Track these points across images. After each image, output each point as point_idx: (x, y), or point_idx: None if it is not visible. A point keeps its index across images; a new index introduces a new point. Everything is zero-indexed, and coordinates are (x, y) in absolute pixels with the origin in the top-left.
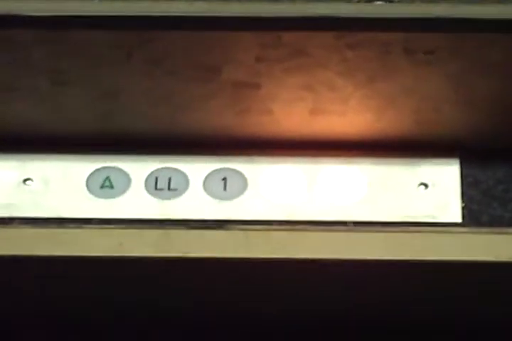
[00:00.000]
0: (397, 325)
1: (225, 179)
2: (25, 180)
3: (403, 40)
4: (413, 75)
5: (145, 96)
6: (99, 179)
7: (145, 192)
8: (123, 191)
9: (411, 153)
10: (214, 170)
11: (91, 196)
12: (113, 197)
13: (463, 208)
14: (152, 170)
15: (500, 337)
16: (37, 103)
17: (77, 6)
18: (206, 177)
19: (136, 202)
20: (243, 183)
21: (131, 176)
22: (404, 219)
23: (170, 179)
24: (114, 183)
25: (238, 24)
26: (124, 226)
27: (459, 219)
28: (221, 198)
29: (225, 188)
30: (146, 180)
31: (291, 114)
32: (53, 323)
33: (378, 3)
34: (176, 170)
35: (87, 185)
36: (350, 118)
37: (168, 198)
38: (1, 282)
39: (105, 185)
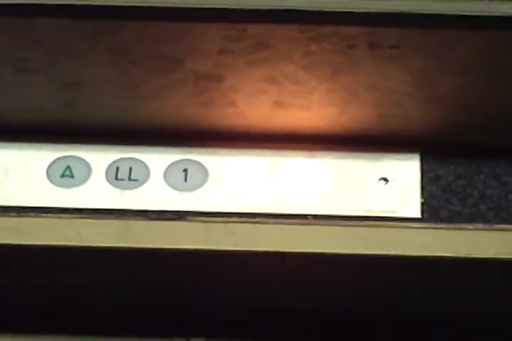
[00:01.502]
0: (352, 317)
1: (185, 170)
2: None
3: (368, 34)
4: (377, 70)
5: (108, 86)
6: (60, 168)
7: (105, 181)
8: (83, 180)
9: (373, 147)
10: (175, 161)
11: (51, 185)
12: (73, 186)
13: (422, 203)
14: (113, 160)
15: (455, 330)
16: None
17: None
18: (167, 168)
19: (96, 192)
20: (204, 175)
21: (92, 166)
22: (365, 214)
23: (131, 169)
24: (74, 172)
25: (202, 15)
26: (83, 215)
27: (418, 214)
28: (182, 189)
29: (185, 179)
30: (107, 170)
31: (255, 106)
32: (10, 312)
33: None
34: (137, 160)
35: (48, 174)
36: (314, 111)
37: (129, 188)
38: None
39: (65, 174)
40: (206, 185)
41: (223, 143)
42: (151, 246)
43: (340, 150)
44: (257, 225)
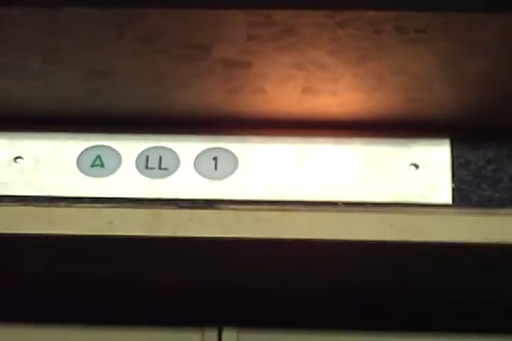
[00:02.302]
0: (384, 304)
1: (215, 158)
2: (15, 158)
3: (394, 18)
4: (404, 54)
5: (136, 74)
6: (90, 158)
7: (136, 171)
8: (113, 170)
9: (402, 133)
10: (205, 150)
11: (82, 175)
12: (104, 175)
13: (453, 189)
14: (143, 149)
15: (486, 316)
16: (27, 81)
17: None
18: (197, 157)
19: (126, 181)
20: (234, 163)
21: (122, 155)
22: (395, 200)
23: (161, 158)
24: (104, 162)
25: (229, 2)
26: (114, 205)
27: (449, 200)
28: (212, 178)
29: (215, 168)
30: (137, 159)
31: (283, 93)
32: (42, 301)
33: None
34: (166, 149)
35: (78, 164)
36: (341, 97)
37: (159, 177)
38: None
39: (96, 164)
40: (236, 173)
41: (252, 131)
42: (182, 234)
43: (369, 136)
44: (286, 213)
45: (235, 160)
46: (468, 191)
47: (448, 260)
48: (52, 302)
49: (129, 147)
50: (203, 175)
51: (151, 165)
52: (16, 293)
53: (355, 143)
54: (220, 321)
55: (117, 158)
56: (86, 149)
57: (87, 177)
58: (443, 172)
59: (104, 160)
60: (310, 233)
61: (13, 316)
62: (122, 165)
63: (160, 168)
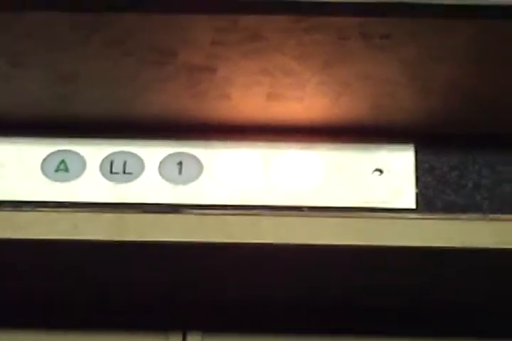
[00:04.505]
0: (347, 308)
1: (180, 163)
2: None
3: (359, 24)
4: (369, 60)
5: (101, 79)
6: (54, 162)
7: (100, 175)
8: (78, 174)
9: (367, 138)
10: (169, 155)
11: (46, 179)
12: (68, 180)
13: (417, 194)
14: (107, 153)
15: (448, 322)
16: None
17: None
18: (161, 162)
19: (91, 186)
20: (199, 168)
21: (87, 159)
22: (360, 205)
23: (125, 162)
24: (69, 166)
25: (194, 7)
26: (78, 209)
27: (413, 205)
28: (176, 182)
29: (180, 172)
30: (102, 164)
31: (249, 98)
32: (6, 307)
33: None
34: (131, 153)
35: (42, 168)
36: (307, 103)
37: (124, 182)
38: None
39: (60, 169)
40: (201, 177)
41: (217, 136)
42: (146, 239)
43: (334, 141)
44: (251, 217)
45: (199, 165)
46: (432, 196)
47: (411, 263)
48: (16, 307)
49: (94, 151)
50: (168, 180)
51: (115, 169)
52: None
53: (320, 148)
54: (184, 325)
55: (82, 162)
56: (50, 154)
57: (52, 182)
58: (407, 178)
59: (68, 164)
60: (275, 237)
61: None
62: (87, 170)
63: (124, 173)
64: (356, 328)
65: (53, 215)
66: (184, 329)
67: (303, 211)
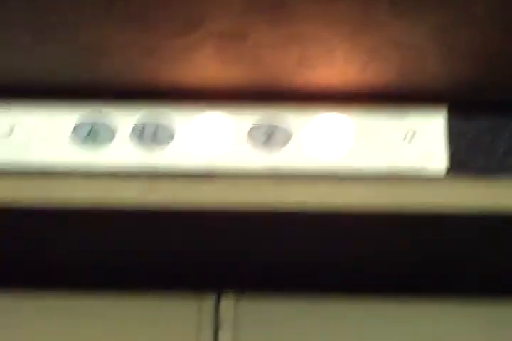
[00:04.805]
0: (378, 269)
1: (212, 129)
2: (10, 131)
3: None
4: (397, 27)
5: (128, 48)
6: (85, 129)
7: (130, 142)
8: (108, 141)
9: (397, 103)
10: (200, 120)
11: (76, 146)
12: (98, 147)
13: (448, 158)
14: (137, 120)
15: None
16: (19, 55)
17: None
18: (192, 129)
19: (121, 152)
20: (232, 133)
21: (116, 127)
22: (391, 169)
23: (156, 130)
24: (99, 133)
25: None
26: (109, 175)
27: (444, 169)
28: (210, 149)
29: (213, 139)
30: (132, 131)
31: (278, 64)
32: (40, 272)
33: None
34: (161, 121)
35: (73, 136)
36: (337, 69)
37: (154, 148)
38: None
39: (90, 135)
40: (232, 144)
41: (248, 100)
42: (177, 203)
43: (365, 107)
44: (282, 183)
45: (232, 131)
46: (463, 161)
47: (441, 226)
48: (53, 273)
49: (124, 119)
50: (198, 147)
51: (146, 136)
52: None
53: (350, 113)
54: (218, 288)
55: (112, 129)
56: (81, 121)
57: (82, 148)
58: (438, 142)
59: (98, 131)
60: (306, 203)
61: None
62: (117, 137)
63: (155, 140)
64: (387, 289)
65: (84, 181)
66: (218, 292)
67: (336, 177)
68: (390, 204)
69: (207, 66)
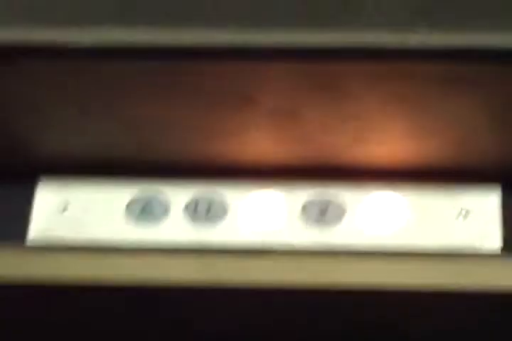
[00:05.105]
0: None
1: (263, 206)
2: (65, 206)
3: (440, 69)
4: (453, 105)
5: (184, 125)
6: (139, 205)
7: (184, 218)
8: (162, 217)
9: (451, 181)
10: (253, 197)
11: (130, 222)
12: (152, 223)
13: (502, 237)
14: (191, 196)
15: None
16: (76, 130)
17: (116, 36)
18: (246, 205)
19: (174, 229)
20: (283, 210)
21: (170, 203)
22: (444, 248)
23: (209, 206)
24: (153, 209)
25: (275, 53)
26: (162, 252)
27: (498, 249)
28: (259, 225)
29: (262, 215)
30: (185, 207)
31: (333, 142)
32: None
33: (418, 32)
34: (215, 196)
35: (127, 211)
36: (392, 146)
37: (207, 225)
38: (39, 306)
39: (144, 211)
40: (285, 220)
41: (302, 178)
42: (230, 282)
43: (418, 184)
44: (333, 260)
45: (283, 208)
46: None
47: (497, 307)
48: None
49: (178, 195)
50: (250, 223)
51: (199, 212)
52: None
53: (404, 191)
54: None
55: (165, 205)
56: (135, 197)
57: (136, 225)
58: (493, 221)
59: (152, 207)
60: (358, 280)
61: None
62: (170, 213)
63: (208, 216)
64: None
65: (138, 258)
66: None
67: (386, 254)
68: (445, 283)
69: (260, 143)
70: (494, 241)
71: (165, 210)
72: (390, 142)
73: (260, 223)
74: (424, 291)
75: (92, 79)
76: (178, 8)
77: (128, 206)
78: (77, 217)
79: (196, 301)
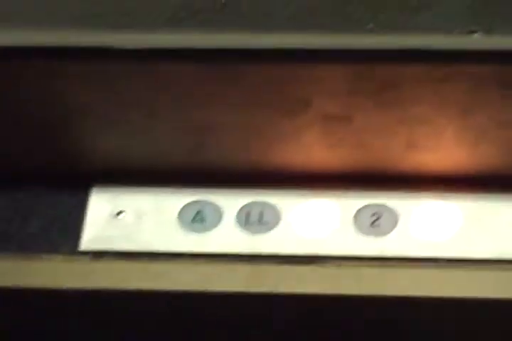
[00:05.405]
0: None
1: (315, 213)
2: (118, 213)
3: (496, 72)
4: (507, 108)
5: (237, 129)
6: (191, 212)
7: (237, 226)
8: (214, 225)
9: (507, 188)
10: (306, 205)
11: (183, 230)
12: (204, 231)
13: None
14: (244, 203)
15: None
16: (129, 136)
17: (166, 39)
18: (298, 212)
19: (227, 236)
20: (335, 218)
21: (223, 210)
22: (499, 257)
23: (262, 213)
24: (205, 217)
25: (329, 56)
26: (214, 260)
27: None
28: (312, 233)
29: (315, 223)
30: (238, 214)
31: (386, 148)
32: None
33: (475, 35)
34: (267, 203)
35: (179, 219)
36: (445, 152)
37: (260, 232)
38: (93, 315)
39: (197, 219)
40: (336, 228)
41: (355, 185)
42: (282, 291)
43: (472, 191)
44: (387, 269)
45: (335, 216)
46: None
47: None
48: None
49: (230, 202)
50: (302, 231)
51: (252, 220)
52: None
53: (458, 198)
54: None
55: (218, 212)
56: (187, 204)
57: (188, 232)
58: None
59: (205, 215)
60: (411, 290)
61: None
62: (223, 220)
63: (261, 223)
64: None
65: (189, 266)
66: None
67: (439, 263)
68: (498, 292)
69: (313, 149)
70: None
71: (218, 218)
72: (444, 148)
73: (312, 231)
74: (477, 300)
75: (148, 83)
76: (230, 11)
77: (180, 213)
78: (130, 223)
79: (247, 309)
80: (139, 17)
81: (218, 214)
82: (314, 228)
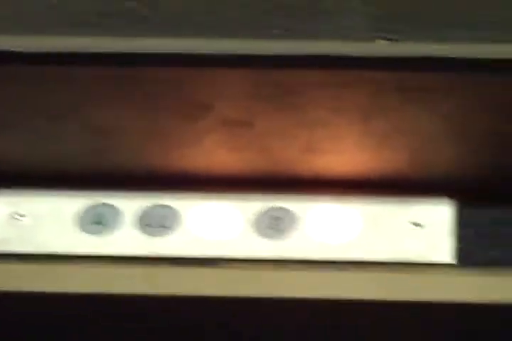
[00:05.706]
0: None
1: (215, 216)
2: (16, 216)
3: (395, 79)
4: (407, 114)
5: (137, 133)
6: (91, 215)
7: (136, 228)
8: (114, 227)
9: (405, 192)
10: (205, 208)
11: (82, 232)
12: (104, 233)
13: (455, 248)
14: (144, 207)
15: None
16: (28, 140)
17: (70, 43)
18: (197, 215)
19: (126, 239)
20: (238, 222)
21: (123, 213)
22: (397, 259)
23: (161, 216)
24: (105, 220)
25: (230, 61)
26: (112, 262)
27: (451, 260)
28: (212, 237)
29: (215, 226)
30: (137, 217)
31: (285, 152)
32: None
33: (376, 42)
34: (167, 207)
35: (79, 221)
36: (345, 156)
37: (159, 235)
38: None
39: (96, 221)
40: (239, 232)
41: (254, 189)
42: (178, 292)
43: (372, 195)
44: (286, 272)
45: (237, 219)
46: (471, 251)
47: (447, 319)
48: None
49: (130, 205)
50: (202, 234)
51: (151, 223)
52: None
53: (357, 202)
54: None
55: (117, 216)
56: (87, 207)
57: (87, 235)
58: (445, 232)
59: (104, 217)
60: (309, 292)
61: None
62: (122, 223)
63: (160, 226)
64: None
65: (87, 268)
66: None
67: (338, 265)
68: (395, 294)
69: (214, 153)
70: (445, 253)
71: (117, 221)
72: (345, 152)
73: (213, 234)
74: (375, 302)
75: (48, 87)
76: (135, 15)
77: (80, 216)
78: (28, 225)
79: (145, 310)
80: (35, 20)
81: (118, 217)
82: (214, 231)
